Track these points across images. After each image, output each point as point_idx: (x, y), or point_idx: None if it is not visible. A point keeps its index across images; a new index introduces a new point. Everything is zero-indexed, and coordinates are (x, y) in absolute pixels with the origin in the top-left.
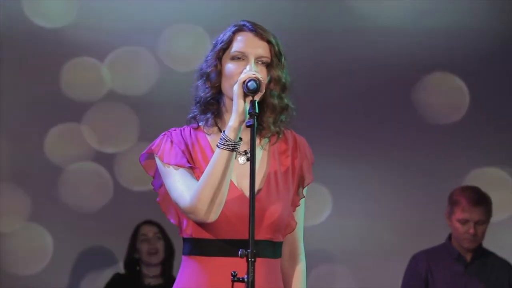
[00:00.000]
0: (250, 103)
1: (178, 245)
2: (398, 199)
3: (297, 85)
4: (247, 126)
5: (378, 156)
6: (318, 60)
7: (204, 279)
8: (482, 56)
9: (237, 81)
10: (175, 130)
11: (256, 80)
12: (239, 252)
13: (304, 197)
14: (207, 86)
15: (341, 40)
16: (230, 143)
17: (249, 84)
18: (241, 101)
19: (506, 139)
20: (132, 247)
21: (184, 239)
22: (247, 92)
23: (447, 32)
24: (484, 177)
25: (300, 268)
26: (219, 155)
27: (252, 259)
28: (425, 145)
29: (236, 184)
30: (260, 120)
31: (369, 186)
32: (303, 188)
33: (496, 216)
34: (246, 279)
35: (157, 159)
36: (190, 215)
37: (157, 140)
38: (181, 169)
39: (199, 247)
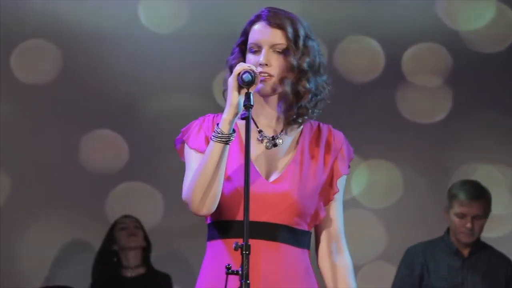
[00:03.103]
0: (245, 95)
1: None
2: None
3: None
4: (242, 119)
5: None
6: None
7: (224, 260)
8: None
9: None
10: (209, 115)
11: (251, 72)
12: (234, 245)
13: (338, 191)
14: None
15: None
16: (222, 135)
17: (244, 76)
18: (235, 93)
19: (498, 136)
20: (110, 237)
21: (207, 225)
22: (242, 84)
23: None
24: (476, 174)
25: (347, 265)
26: (212, 148)
27: (247, 252)
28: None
29: (257, 167)
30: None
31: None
32: (337, 180)
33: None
34: (240, 272)
35: (185, 144)
36: (187, 206)
37: (189, 124)
38: (199, 155)
39: (218, 230)
